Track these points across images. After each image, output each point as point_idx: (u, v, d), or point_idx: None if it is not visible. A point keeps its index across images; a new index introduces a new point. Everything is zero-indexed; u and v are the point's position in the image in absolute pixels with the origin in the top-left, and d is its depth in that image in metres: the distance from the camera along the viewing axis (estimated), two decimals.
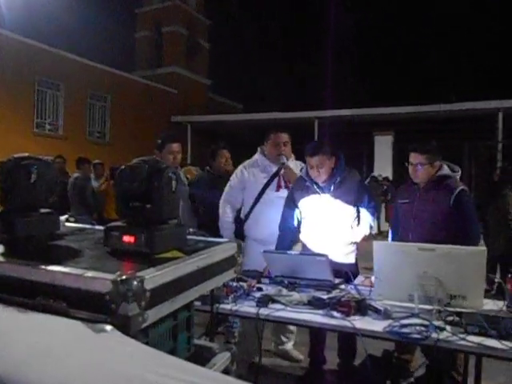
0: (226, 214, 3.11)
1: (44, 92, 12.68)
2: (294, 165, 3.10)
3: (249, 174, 3.11)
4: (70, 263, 0.97)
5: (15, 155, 1.23)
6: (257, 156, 3.21)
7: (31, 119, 12.27)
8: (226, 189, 3.17)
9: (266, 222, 2.95)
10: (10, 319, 0.84)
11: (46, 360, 0.68)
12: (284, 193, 2.98)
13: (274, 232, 2.84)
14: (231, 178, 3.19)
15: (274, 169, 3.07)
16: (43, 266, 0.91)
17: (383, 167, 14.02)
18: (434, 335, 1.72)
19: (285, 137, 3.11)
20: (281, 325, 3.08)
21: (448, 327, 1.79)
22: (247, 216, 3.12)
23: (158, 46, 18.41)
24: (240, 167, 3.20)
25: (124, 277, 0.82)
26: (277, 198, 2.99)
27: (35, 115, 12.42)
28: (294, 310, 2.03)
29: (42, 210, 1.29)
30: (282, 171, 3.04)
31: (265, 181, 3.06)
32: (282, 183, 3.05)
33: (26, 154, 1.24)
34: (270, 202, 3.02)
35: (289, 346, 3.24)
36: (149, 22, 18.52)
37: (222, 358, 1.17)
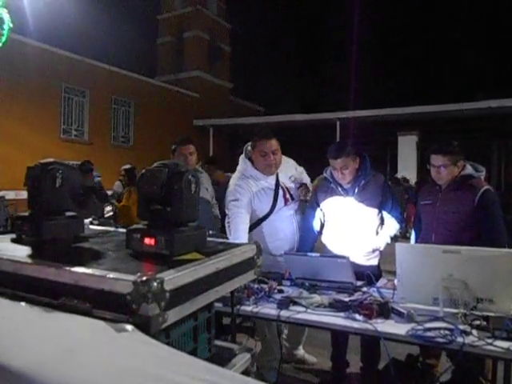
0: (242, 238, 2.60)
1: (70, 99, 13.05)
2: (289, 166, 2.93)
3: (250, 189, 2.76)
4: (94, 265, 1.00)
5: (41, 161, 1.27)
6: (244, 168, 2.82)
7: (58, 126, 12.65)
8: (235, 209, 2.70)
9: (278, 237, 2.80)
10: (36, 319, 0.87)
11: (70, 358, 0.70)
12: (291, 205, 2.84)
13: (281, 246, 2.74)
14: (234, 197, 2.73)
15: (270, 180, 2.79)
16: (68, 268, 0.94)
17: (408, 168, 13.78)
18: (460, 339, 1.68)
19: (273, 144, 2.70)
20: (297, 329, 3.06)
21: (474, 331, 1.74)
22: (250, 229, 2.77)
23: (180, 51, 18.68)
24: (234, 183, 2.79)
25: (144, 278, 0.84)
26: (287, 211, 2.82)
27: (62, 122, 12.80)
28: (315, 313, 2.02)
29: (67, 214, 1.33)
30: (301, 190, 2.85)
31: (266, 195, 2.77)
32: (288, 196, 2.83)
33: (52, 160, 1.28)
34: (281, 216, 2.79)
35: (301, 350, 3.22)
36: (170, 28, 18.83)
37: (242, 359, 1.18)
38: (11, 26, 7.34)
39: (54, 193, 1.26)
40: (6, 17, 7.23)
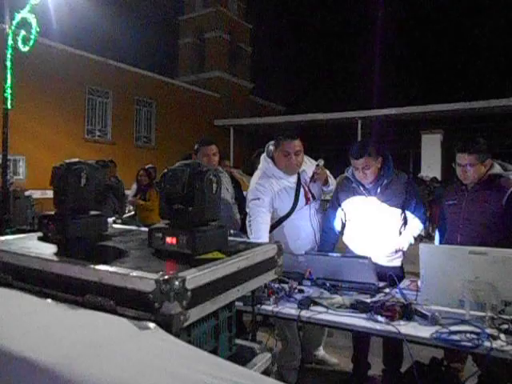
0: (264, 237, 2.59)
1: (94, 100, 13.34)
2: (311, 166, 2.88)
3: (272, 188, 2.74)
4: (117, 263, 1.01)
5: (67, 160, 1.30)
6: (266, 167, 2.81)
7: (82, 126, 12.95)
8: (256, 209, 2.69)
9: (299, 236, 2.77)
10: (62, 315, 0.89)
11: (94, 354, 0.71)
12: (312, 205, 2.83)
13: (302, 246, 2.72)
14: (255, 196, 2.72)
15: (292, 180, 2.79)
16: (92, 266, 0.96)
17: (431, 167, 13.50)
18: (487, 344, 1.62)
19: (296, 145, 2.71)
20: (317, 330, 3.03)
21: (502, 336, 1.68)
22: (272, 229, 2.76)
23: (201, 52, 18.84)
24: (256, 182, 2.78)
25: (166, 277, 0.85)
26: (308, 210, 2.81)
27: (86, 122, 13.09)
28: (336, 313, 2.00)
29: (92, 212, 1.35)
30: (316, 170, 2.81)
31: (288, 194, 2.76)
32: (310, 195, 2.81)
33: (77, 159, 1.31)
34: (302, 215, 2.78)
35: (322, 350, 3.19)
36: (192, 29, 19.00)
37: (263, 359, 1.17)
38: (38, 30, 7.55)
39: (79, 192, 1.28)
40: (34, 21, 7.44)
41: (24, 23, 7.35)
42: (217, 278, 0.98)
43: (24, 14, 7.29)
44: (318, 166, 2.85)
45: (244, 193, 3.61)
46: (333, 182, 2.94)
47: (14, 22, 7.26)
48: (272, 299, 2.14)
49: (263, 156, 2.89)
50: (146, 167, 6.95)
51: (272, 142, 2.86)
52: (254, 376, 0.77)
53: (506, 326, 1.73)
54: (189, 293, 0.87)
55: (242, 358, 1.18)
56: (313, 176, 2.83)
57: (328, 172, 3.01)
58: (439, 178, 12.74)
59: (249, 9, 20.14)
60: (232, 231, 2.72)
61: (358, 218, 2.70)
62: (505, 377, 2.20)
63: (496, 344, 1.62)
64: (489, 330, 1.71)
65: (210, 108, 16.99)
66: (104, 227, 1.39)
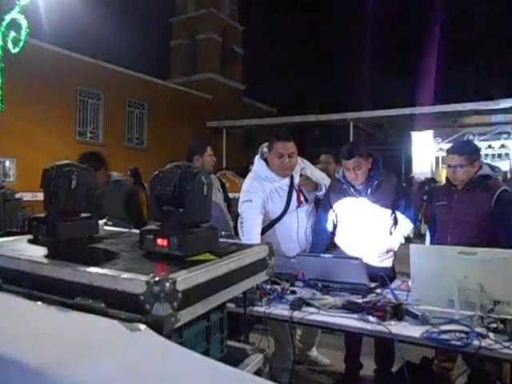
0: (255, 239, 2.59)
1: (85, 101, 13.25)
2: (303, 166, 2.90)
3: (264, 190, 2.75)
4: (108, 265, 1.01)
5: (57, 163, 1.29)
6: (259, 168, 2.82)
7: (73, 128, 12.85)
8: (248, 210, 2.70)
9: (291, 239, 2.79)
10: (51, 318, 0.89)
11: (84, 357, 0.71)
12: (305, 207, 2.85)
13: (294, 248, 2.73)
14: (247, 197, 2.73)
15: (284, 182, 2.80)
16: (82, 268, 0.95)
17: (422, 168, 13.61)
18: (476, 342, 1.65)
19: (290, 147, 2.70)
20: (310, 330, 3.04)
21: (491, 334, 1.71)
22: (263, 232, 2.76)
23: (193, 54, 18.79)
24: (248, 184, 2.80)
25: (157, 278, 0.85)
26: (300, 212, 2.82)
27: (77, 124, 12.99)
28: (328, 314, 2.01)
29: (82, 215, 1.35)
30: (300, 181, 2.81)
31: (280, 196, 2.77)
32: (302, 198, 2.82)
33: (67, 162, 1.31)
34: (294, 218, 2.79)
35: (315, 351, 3.20)
36: (183, 30, 18.96)
37: (255, 360, 1.18)
38: (28, 31, 7.49)
39: (70, 194, 1.27)
40: (24, 22, 7.38)
41: (14, 24, 7.30)
42: (208, 280, 0.98)
43: (14, 14, 7.23)
44: (301, 176, 2.85)
45: (237, 194, 3.61)
46: (326, 184, 2.94)
47: (4, 23, 7.21)
48: (264, 300, 2.15)
49: (257, 157, 2.89)
50: (131, 168, 6.86)
51: (266, 144, 2.86)
52: (246, 376, 0.78)
53: (494, 325, 1.75)
54: (180, 294, 0.87)
55: (233, 359, 1.18)
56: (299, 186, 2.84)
57: (324, 175, 3.03)
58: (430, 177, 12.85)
59: (241, 10, 20.17)
60: (223, 232, 2.72)
61: (349, 219, 2.72)
62: (493, 374, 2.23)
63: (485, 343, 1.65)
64: (478, 329, 1.74)
65: (202, 109, 16.96)
66: (95, 229, 1.38)
